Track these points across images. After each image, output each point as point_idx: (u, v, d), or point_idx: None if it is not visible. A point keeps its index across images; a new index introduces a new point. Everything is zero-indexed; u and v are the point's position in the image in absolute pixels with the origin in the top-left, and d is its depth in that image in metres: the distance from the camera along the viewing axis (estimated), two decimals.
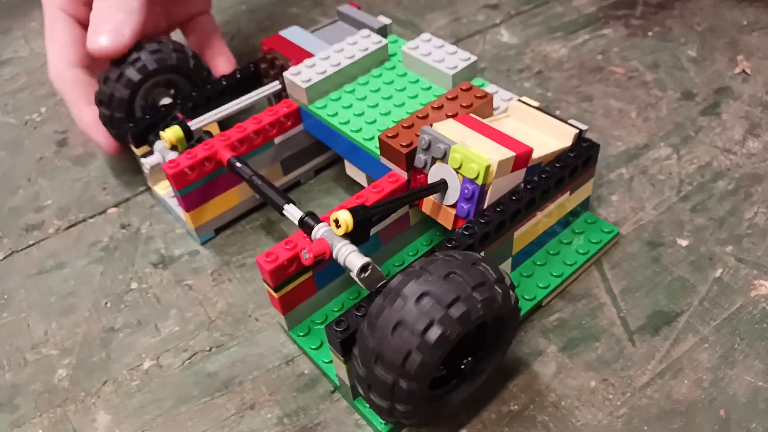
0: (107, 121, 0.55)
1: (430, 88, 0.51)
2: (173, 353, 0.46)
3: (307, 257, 0.38)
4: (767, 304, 0.46)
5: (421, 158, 0.44)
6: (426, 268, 0.33)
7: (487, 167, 0.40)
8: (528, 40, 0.73)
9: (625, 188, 0.55)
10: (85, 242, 0.56)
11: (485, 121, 0.46)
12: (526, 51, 0.72)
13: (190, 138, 0.52)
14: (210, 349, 0.46)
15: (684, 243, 0.50)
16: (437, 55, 0.52)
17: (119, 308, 0.50)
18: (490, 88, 0.51)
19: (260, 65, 0.57)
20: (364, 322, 0.33)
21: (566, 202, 0.47)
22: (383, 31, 0.58)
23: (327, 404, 0.42)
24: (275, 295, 0.42)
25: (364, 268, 0.37)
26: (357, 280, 0.37)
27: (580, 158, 0.45)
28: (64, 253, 0.55)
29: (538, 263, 0.47)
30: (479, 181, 0.40)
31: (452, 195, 0.43)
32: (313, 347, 0.44)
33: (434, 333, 0.31)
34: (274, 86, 0.56)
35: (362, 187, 0.56)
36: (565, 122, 0.46)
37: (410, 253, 0.49)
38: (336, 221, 0.38)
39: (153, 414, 0.43)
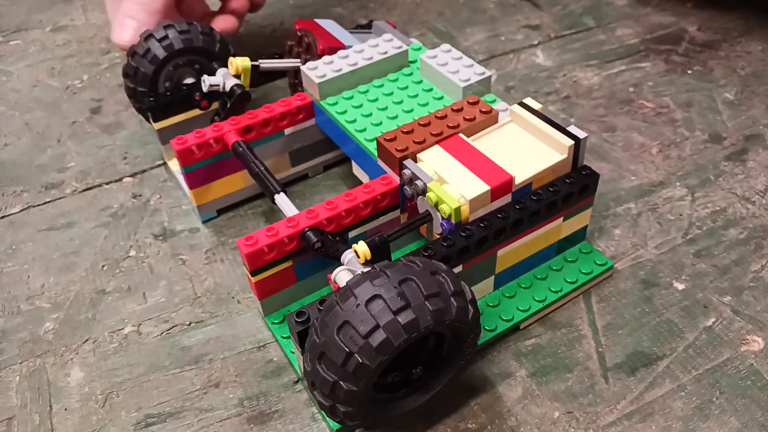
0: (131, 93, 0.57)
1: (441, 98, 0.52)
2: (154, 322, 0.48)
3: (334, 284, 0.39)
4: (756, 360, 0.44)
5: (407, 190, 0.44)
6: (384, 271, 0.33)
7: (457, 208, 0.40)
8: (562, 65, 0.72)
9: (630, 223, 0.54)
10: (96, 206, 0.58)
11: (486, 132, 0.46)
12: (558, 75, 0.71)
13: (257, 76, 0.55)
14: (189, 324, 0.47)
15: (680, 287, 0.49)
16: (453, 66, 0.52)
17: (114, 273, 0.52)
18: (499, 105, 0.51)
19: (287, 43, 0.59)
20: (318, 317, 0.34)
21: (559, 228, 0.47)
22: None
23: (288, 394, 0.43)
24: (252, 279, 0.43)
25: None
26: None
27: (576, 185, 0.45)
28: (76, 214, 0.57)
29: (523, 286, 0.47)
30: (453, 220, 0.41)
31: (437, 226, 0.43)
32: (284, 336, 0.44)
33: (378, 337, 0.31)
34: (296, 61, 0.57)
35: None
36: (564, 130, 0.45)
37: None
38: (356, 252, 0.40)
39: (123, 377, 0.44)
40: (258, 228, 0.55)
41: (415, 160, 0.44)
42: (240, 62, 0.55)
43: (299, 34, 0.59)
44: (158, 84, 0.57)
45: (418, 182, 0.42)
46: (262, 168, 0.48)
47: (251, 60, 0.56)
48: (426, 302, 0.32)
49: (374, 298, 0.32)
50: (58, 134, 0.67)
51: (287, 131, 0.55)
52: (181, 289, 0.50)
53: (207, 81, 0.54)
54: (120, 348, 0.46)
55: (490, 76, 0.51)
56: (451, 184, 0.41)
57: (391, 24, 0.63)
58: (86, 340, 0.47)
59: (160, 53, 0.55)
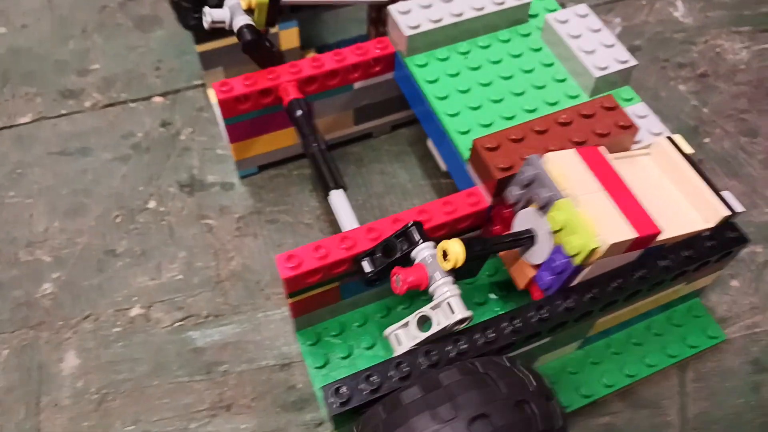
0: (174, 5, 0.45)
1: (564, 80, 0.40)
2: (167, 307, 0.40)
3: (399, 285, 0.30)
4: None
5: (514, 192, 0.34)
6: (453, 396, 0.25)
7: (593, 250, 0.30)
8: (705, 26, 0.58)
9: (753, 275, 0.43)
10: (118, 130, 0.49)
11: (617, 158, 0.35)
12: (698, 40, 0.57)
13: (276, 12, 0.40)
14: (207, 317, 0.40)
15: None
16: (588, 42, 0.39)
17: (128, 228, 0.44)
18: (638, 107, 0.39)
19: None
20: (380, 410, 0.26)
21: (677, 291, 0.37)
22: None
23: None
24: (288, 299, 0.35)
25: (461, 322, 0.30)
26: (444, 323, 0.30)
27: (716, 251, 0.34)
28: (93, 137, 0.48)
29: (613, 350, 0.38)
30: (576, 261, 0.30)
31: (537, 255, 0.33)
32: (316, 366, 0.37)
33: None
34: None
35: (437, 165, 0.46)
36: (717, 193, 0.35)
37: (467, 282, 0.41)
38: (444, 253, 0.30)
39: (124, 375, 0.38)
40: (301, 196, 0.46)
41: None
42: None
43: None
44: None
45: (543, 191, 0.31)
46: (321, 146, 0.38)
47: None
48: None
49: (481, 417, 0.24)
50: (83, 22, 0.56)
51: (357, 85, 0.44)
52: (202, 267, 0.42)
53: (209, 15, 0.39)
54: (125, 334, 0.39)
55: (634, 66, 0.39)
56: (586, 213, 0.31)
57: None
58: (87, 316, 0.40)
59: None
